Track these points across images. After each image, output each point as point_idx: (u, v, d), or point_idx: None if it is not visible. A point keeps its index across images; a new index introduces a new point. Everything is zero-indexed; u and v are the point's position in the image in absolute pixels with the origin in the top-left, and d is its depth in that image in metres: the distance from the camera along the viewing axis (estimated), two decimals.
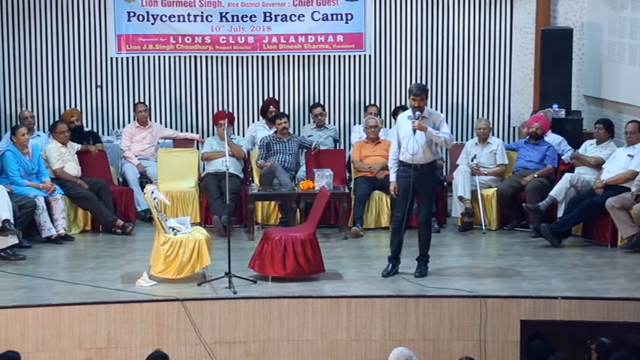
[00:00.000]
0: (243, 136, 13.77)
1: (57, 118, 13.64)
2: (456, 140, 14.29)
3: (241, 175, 12.91)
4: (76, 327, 9.55)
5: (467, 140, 13.65)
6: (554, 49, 13.53)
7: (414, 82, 14.23)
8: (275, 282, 10.25)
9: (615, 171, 11.81)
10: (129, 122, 13.93)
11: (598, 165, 12.12)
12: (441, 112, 14.35)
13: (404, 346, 7.48)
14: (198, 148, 13.57)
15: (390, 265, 10.53)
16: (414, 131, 10.16)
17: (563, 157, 12.72)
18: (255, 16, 14.11)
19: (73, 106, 14.11)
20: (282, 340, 9.78)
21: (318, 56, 14.32)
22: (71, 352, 9.54)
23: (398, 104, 13.95)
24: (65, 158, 12.50)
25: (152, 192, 10.38)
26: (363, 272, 10.67)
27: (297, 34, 14.19)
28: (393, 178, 10.48)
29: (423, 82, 14.26)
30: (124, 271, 10.69)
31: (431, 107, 14.19)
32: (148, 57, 14.21)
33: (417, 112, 10.21)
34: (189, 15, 14.08)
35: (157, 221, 10.37)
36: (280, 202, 12.55)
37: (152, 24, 14.07)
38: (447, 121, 14.31)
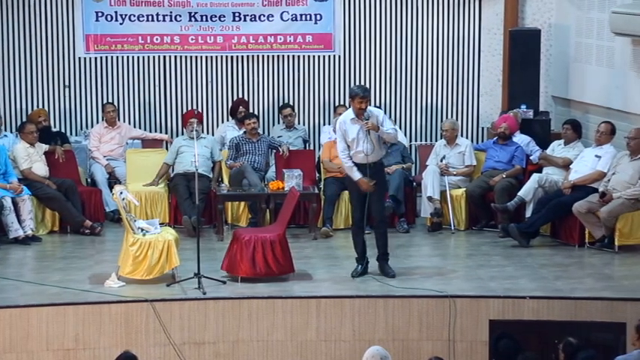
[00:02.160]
0: (213, 135, 13.74)
1: (24, 119, 13.55)
2: (425, 141, 14.35)
3: (211, 175, 12.87)
4: (43, 328, 9.50)
5: (436, 141, 13.68)
6: (523, 49, 13.60)
7: (383, 82, 14.30)
8: (244, 282, 10.24)
9: (583, 171, 11.89)
10: (97, 122, 13.87)
11: (566, 165, 12.20)
12: (411, 112, 14.45)
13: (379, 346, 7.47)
14: (167, 148, 13.52)
15: (359, 265, 10.56)
16: (368, 132, 10.23)
17: (531, 158, 12.78)
18: (224, 16, 14.08)
19: (40, 106, 14.02)
20: (252, 340, 9.77)
21: (288, 56, 14.31)
22: (39, 354, 9.48)
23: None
24: (33, 159, 12.42)
25: (121, 192, 10.34)
26: (333, 272, 10.68)
27: (267, 35, 14.17)
28: (359, 175, 10.33)
29: (393, 83, 14.31)
30: (93, 272, 10.64)
31: (400, 108, 14.36)
32: (117, 57, 14.14)
33: (367, 113, 10.30)
34: (157, 15, 14.02)
35: (125, 222, 10.33)
36: (250, 203, 12.54)
37: (120, 24, 14.00)
38: (415, 122, 14.47)
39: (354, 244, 10.63)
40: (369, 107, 10.44)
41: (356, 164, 10.37)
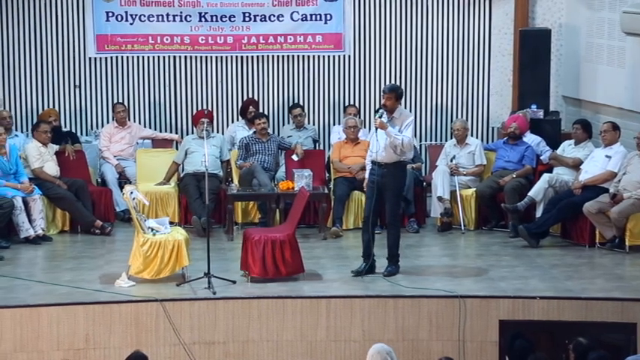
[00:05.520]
0: (223, 134, 13.75)
1: (35, 119, 13.58)
2: (435, 141, 14.34)
3: (221, 174, 12.87)
4: (54, 328, 9.52)
5: (446, 141, 13.67)
6: (533, 49, 13.57)
7: (393, 82, 14.27)
8: (254, 282, 10.25)
9: (593, 171, 11.86)
10: (107, 122, 13.89)
11: (576, 165, 12.18)
12: (420, 112, 14.43)
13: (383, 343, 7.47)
14: (177, 148, 13.53)
15: (363, 264, 10.54)
16: (376, 129, 10.31)
17: (541, 158, 12.76)
18: (234, 16, 14.10)
19: (51, 106, 14.05)
20: (262, 340, 9.78)
21: (298, 56, 14.31)
22: (49, 353, 9.50)
23: (377, 105, 13.95)
24: (44, 158, 12.44)
25: (131, 192, 10.36)
26: (343, 272, 10.67)
27: (277, 35, 14.18)
28: (367, 174, 10.72)
29: (402, 83, 14.29)
30: (103, 272, 10.66)
31: (410, 108, 14.33)
32: (127, 57, 14.16)
33: (381, 110, 10.34)
34: (168, 15, 14.04)
35: (135, 222, 10.35)
36: (260, 203, 12.54)
37: (131, 24, 14.03)
38: (425, 122, 14.45)
39: (362, 241, 10.67)
40: (403, 110, 10.49)
41: (372, 160, 10.49)
